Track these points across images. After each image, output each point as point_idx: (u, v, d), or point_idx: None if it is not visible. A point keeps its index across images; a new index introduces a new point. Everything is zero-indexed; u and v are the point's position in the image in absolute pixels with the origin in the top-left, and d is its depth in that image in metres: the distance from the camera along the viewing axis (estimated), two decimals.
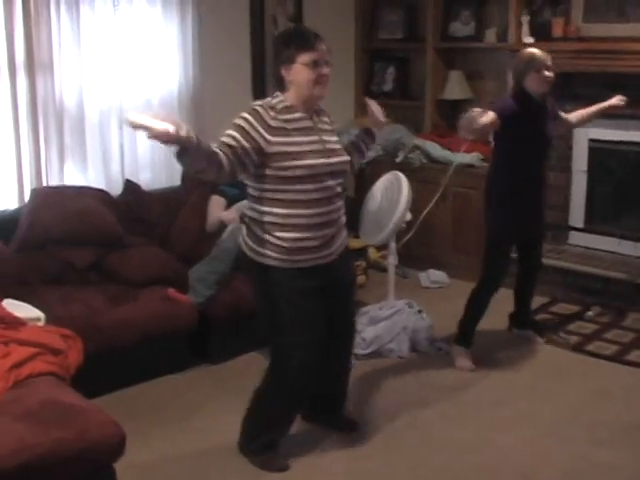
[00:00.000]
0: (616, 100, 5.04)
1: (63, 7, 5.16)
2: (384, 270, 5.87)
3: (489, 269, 4.85)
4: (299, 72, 3.44)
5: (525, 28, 6.14)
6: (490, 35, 6.57)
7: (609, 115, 5.93)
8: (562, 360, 5.02)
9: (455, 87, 6.77)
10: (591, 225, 6.35)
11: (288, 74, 3.46)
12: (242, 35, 6.34)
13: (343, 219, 3.71)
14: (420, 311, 5.25)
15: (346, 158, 3.64)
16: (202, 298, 4.76)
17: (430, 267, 6.50)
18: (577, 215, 6.39)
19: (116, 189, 5.49)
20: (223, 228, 5.19)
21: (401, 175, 5.39)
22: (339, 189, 3.62)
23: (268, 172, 3.42)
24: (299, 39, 3.48)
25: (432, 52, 6.76)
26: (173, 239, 5.28)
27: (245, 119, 3.38)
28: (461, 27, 6.74)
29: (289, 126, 3.44)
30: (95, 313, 4.44)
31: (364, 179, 6.73)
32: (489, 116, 4.41)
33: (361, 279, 6.25)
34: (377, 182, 5.59)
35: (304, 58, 3.42)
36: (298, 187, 3.43)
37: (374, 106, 3.93)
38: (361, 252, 6.36)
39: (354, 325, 4.07)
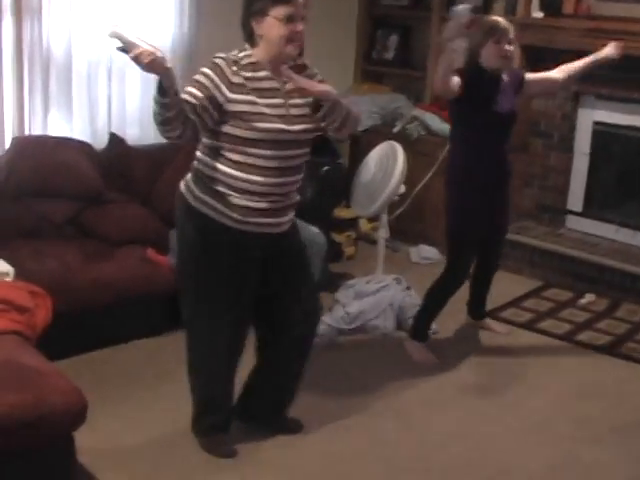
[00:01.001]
0: (611, 49, 4.50)
1: None
2: (374, 243, 5.71)
3: (452, 264, 4.55)
4: (271, 27, 3.12)
5: (535, 2, 5.91)
6: (498, 7, 6.32)
7: (616, 97, 5.78)
8: (552, 350, 4.86)
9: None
10: (590, 210, 6.19)
11: (259, 28, 3.14)
12: None
13: (296, 194, 3.44)
14: (408, 288, 5.08)
15: (311, 126, 3.28)
16: None
17: (422, 242, 6.32)
18: (576, 199, 6.22)
19: (101, 143, 5.25)
20: None
21: (397, 145, 5.19)
22: (300, 160, 3.34)
23: (225, 130, 3.16)
24: None
25: (437, 21, 6.52)
26: (156, 198, 5.04)
27: (205, 74, 3.12)
28: None
29: (249, 84, 3.16)
30: (68, 270, 4.25)
31: (359, 148, 6.53)
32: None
33: (350, 250, 6.09)
34: (371, 152, 5.38)
35: (278, 11, 3.09)
36: (254, 151, 3.17)
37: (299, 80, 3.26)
38: (352, 223, 6.19)
39: (316, 314, 3.67)
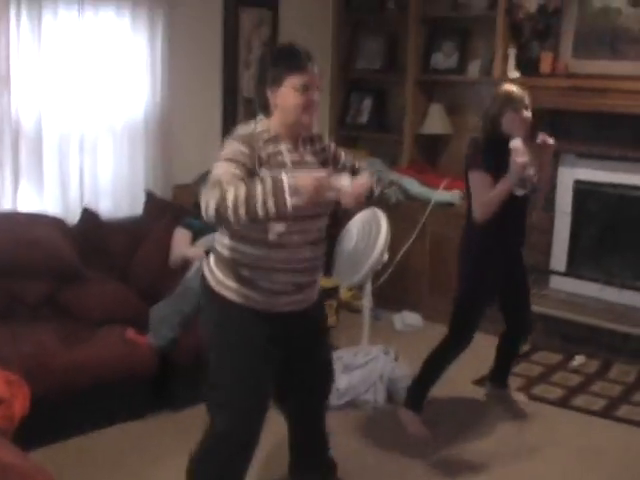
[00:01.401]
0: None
1: (24, 13, 4.79)
2: (355, 311, 5.59)
3: (457, 330, 4.41)
4: (286, 96, 3.05)
5: (511, 62, 5.86)
6: (473, 68, 6.32)
7: (596, 155, 5.72)
8: (548, 416, 4.70)
9: (435, 121, 6.47)
10: (574, 269, 6.07)
11: (274, 97, 3.07)
12: (214, 59, 6.01)
13: (321, 268, 3.33)
14: (397, 358, 4.90)
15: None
16: (164, 341, 4.37)
17: (404, 309, 6.17)
18: (559, 258, 6.10)
19: (73, 217, 5.09)
20: (187, 265, 4.82)
21: (380, 213, 5.06)
22: (323, 232, 3.25)
23: None
24: (289, 58, 3.08)
25: (412, 84, 6.47)
26: (133, 273, 4.87)
27: (240, 151, 2.98)
28: (443, 59, 6.48)
29: (272, 161, 3.05)
30: (46, 353, 4.03)
31: (336, 213, 6.37)
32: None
33: (332, 320, 5.91)
34: (353, 219, 5.24)
35: (293, 81, 3.03)
36: (277, 227, 3.04)
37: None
38: (332, 291, 6.01)
39: (331, 374, 3.66)
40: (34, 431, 3.33)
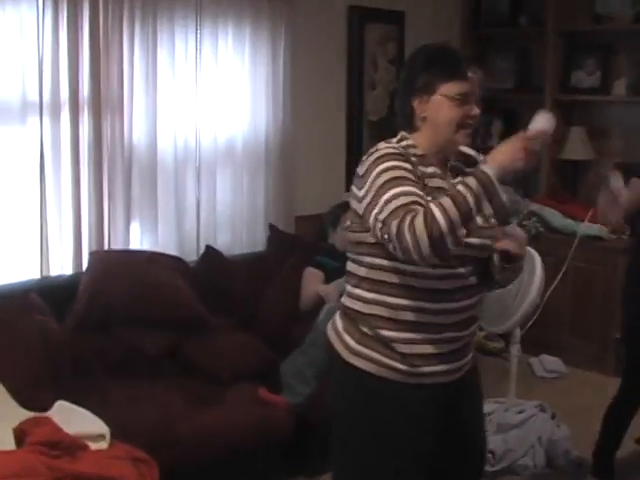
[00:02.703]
0: None
1: (137, 33, 4.39)
2: (489, 354, 5.01)
3: (633, 378, 3.89)
4: (439, 107, 2.47)
5: None
6: (619, 87, 5.78)
7: None
8: None
9: (576, 145, 5.93)
10: None
11: (422, 108, 2.50)
12: (338, 79, 5.56)
13: (476, 323, 2.68)
14: (554, 416, 4.34)
15: (487, 241, 2.55)
16: (300, 398, 3.90)
17: (542, 352, 5.60)
18: None
19: (189, 254, 4.65)
20: (320, 306, 4.33)
21: (533, 252, 4.48)
22: (473, 279, 2.58)
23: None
24: (445, 61, 2.51)
25: (550, 104, 5.89)
26: (260, 319, 4.40)
27: (404, 168, 2.40)
28: (584, 77, 5.94)
29: (428, 183, 2.47)
30: (172, 420, 3.54)
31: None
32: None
33: None
34: None
35: (450, 88, 2.46)
36: (425, 270, 2.41)
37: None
38: None
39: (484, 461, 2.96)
40: None
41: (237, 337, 4.12)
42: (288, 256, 4.66)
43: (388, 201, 2.32)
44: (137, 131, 4.48)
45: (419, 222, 2.22)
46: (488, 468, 4.00)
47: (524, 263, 4.04)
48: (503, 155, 2.32)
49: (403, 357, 2.49)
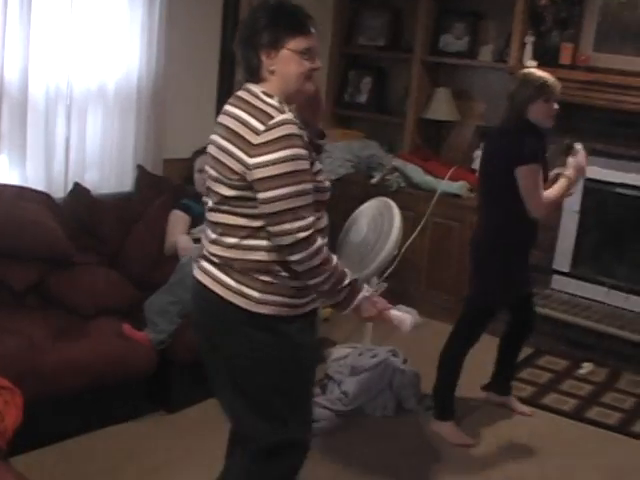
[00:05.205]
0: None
1: None
2: None
3: (469, 329, 4.17)
4: (288, 61, 2.61)
5: (529, 49, 5.52)
6: (485, 53, 5.99)
7: (612, 154, 5.44)
8: (565, 429, 4.42)
9: (440, 106, 6.11)
10: (578, 271, 5.78)
11: (270, 62, 2.61)
12: (214, 25, 5.57)
13: None
14: (405, 361, 4.58)
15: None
16: (163, 334, 3.98)
17: (399, 303, 5.82)
18: (563, 258, 5.81)
19: (56, 191, 4.62)
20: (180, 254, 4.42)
21: (392, 203, 4.68)
22: None
23: None
24: (291, 18, 2.63)
25: (418, 65, 6.09)
26: (126, 259, 4.44)
27: (301, 157, 2.54)
28: (453, 41, 6.11)
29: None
30: (34, 350, 3.59)
31: (332, 199, 6.00)
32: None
33: (326, 312, 5.56)
34: (361, 208, 4.86)
35: (297, 44, 2.59)
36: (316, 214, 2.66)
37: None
38: None
39: None
40: (22, 435, 2.91)
41: (102, 272, 4.19)
42: (155, 197, 4.69)
43: (289, 196, 2.49)
44: (8, 66, 4.40)
45: (322, 255, 2.57)
46: (342, 408, 4.24)
47: (385, 214, 4.30)
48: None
49: (299, 291, 2.67)
